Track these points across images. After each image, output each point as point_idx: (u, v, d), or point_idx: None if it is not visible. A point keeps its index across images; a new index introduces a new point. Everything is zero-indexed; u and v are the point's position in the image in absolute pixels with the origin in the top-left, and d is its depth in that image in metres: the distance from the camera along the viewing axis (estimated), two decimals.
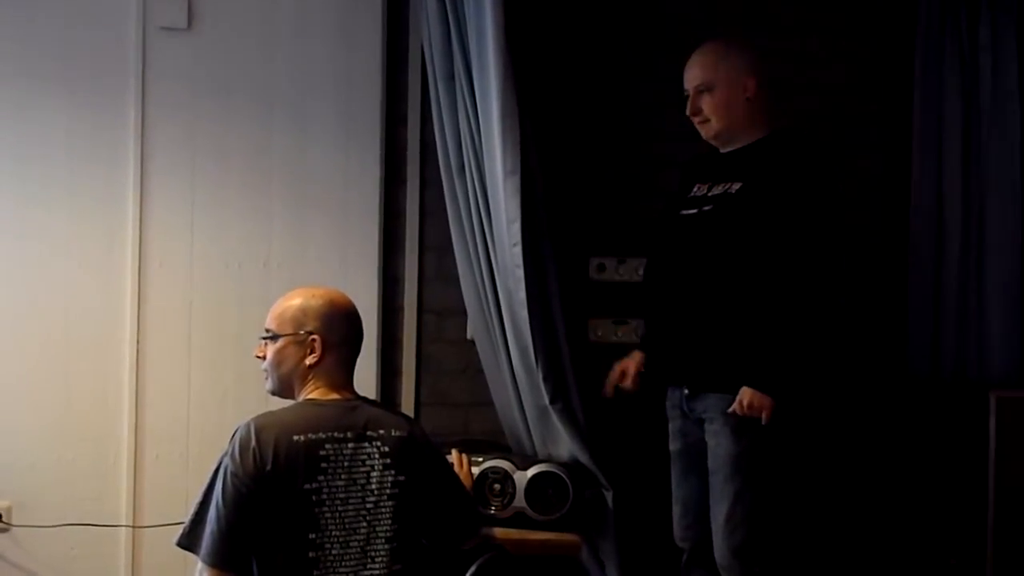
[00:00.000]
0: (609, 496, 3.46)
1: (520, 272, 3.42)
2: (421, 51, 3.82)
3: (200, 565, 2.63)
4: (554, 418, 3.47)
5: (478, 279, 3.66)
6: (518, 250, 3.41)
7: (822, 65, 4.12)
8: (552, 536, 3.34)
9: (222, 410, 3.77)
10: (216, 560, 2.60)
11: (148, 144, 3.80)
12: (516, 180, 3.38)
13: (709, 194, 3.29)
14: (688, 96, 3.36)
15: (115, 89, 3.79)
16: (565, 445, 3.48)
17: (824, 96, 4.08)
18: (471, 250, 3.66)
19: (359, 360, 2.88)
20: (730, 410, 3.12)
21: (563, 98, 3.97)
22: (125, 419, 3.79)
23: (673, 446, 3.42)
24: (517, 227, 3.40)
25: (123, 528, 3.77)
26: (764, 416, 3.08)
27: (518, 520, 3.34)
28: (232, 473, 2.60)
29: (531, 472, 3.37)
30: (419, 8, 3.79)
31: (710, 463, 3.23)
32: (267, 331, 2.82)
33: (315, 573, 2.61)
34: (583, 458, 3.46)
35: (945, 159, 4.06)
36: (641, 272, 3.87)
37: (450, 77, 3.63)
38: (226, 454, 2.65)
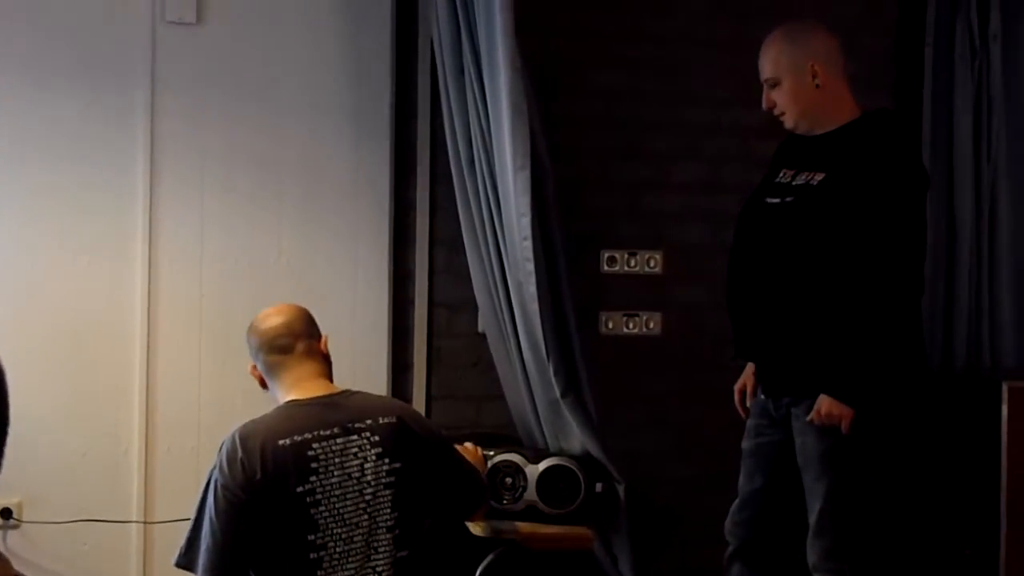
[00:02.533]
0: (621, 489, 3.45)
1: (531, 266, 3.41)
2: (431, 44, 3.81)
3: None
4: (565, 411, 3.47)
5: (489, 273, 3.65)
6: (528, 244, 3.40)
7: None
8: (564, 530, 3.34)
9: (233, 405, 3.75)
10: (214, 575, 2.60)
11: (158, 138, 3.78)
12: (526, 175, 3.37)
13: (793, 183, 3.18)
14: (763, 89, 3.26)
15: (124, 84, 3.77)
16: (576, 438, 3.48)
17: None
18: (481, 244, 3.66)
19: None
20: (808, 418, 3.07)
21: (574, 91, 3.97)
22: (136, 414, 3.78)
23: (745, 443, 3.37)
24: (527, 221, 3.38)
25: (134, 524, 3.77)
26: (844, 426, 3.02)
27: (530, 514, 3.35)
28: (222, 486, 2.60)
29: (543, 466, 3.38)
30: (428, 2, 3.79)
31: (799, 460, 3.17)
32: None
33: (319, 573, 2.59)
34: (595, 451, 3.46)
35: (956, 150, 4.06)
36: (652, 265, 3.85)
37: (460, 72, 3.62)
38: (215, 467, 2.65)
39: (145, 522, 3.77)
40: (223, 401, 3.79)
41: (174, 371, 3.81)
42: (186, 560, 2.66)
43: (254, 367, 2.85)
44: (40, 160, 3.73)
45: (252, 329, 2.86)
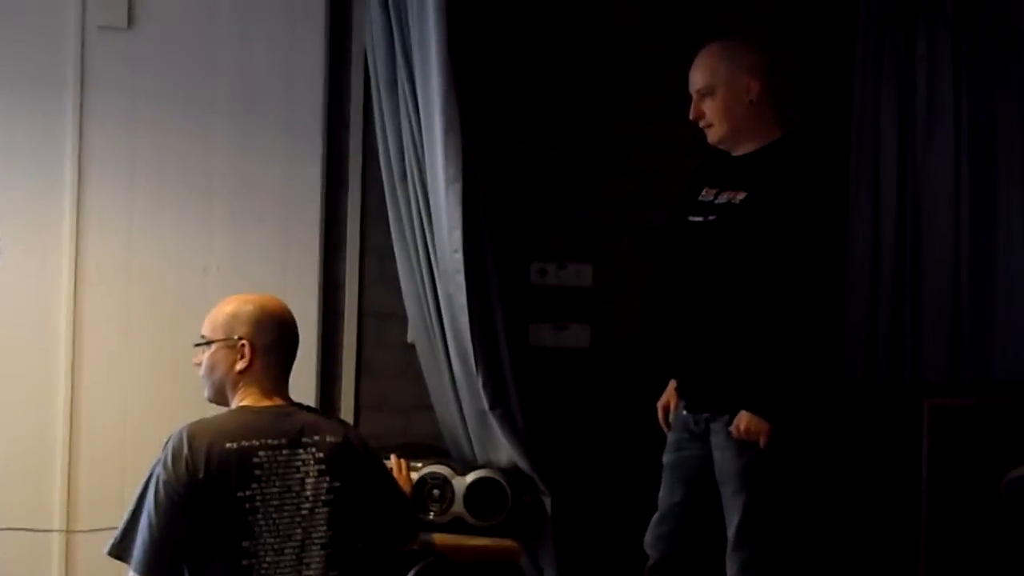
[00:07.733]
0: (548, 502, 3.47)
1: (461, 278, 3.42)
2: (364, 55, 3.81)
3: (131, 575, 2.61)
4: (493, 423, 3.48)
5: (419, 284, 3.66)
6: (459, 256, 3.41)
7: None
8: (491, 542, 3.35)
9: (159, 414, 3.71)
10: (147, 569, 2.59)
11: (86, 146, 3.75)
12: (458, 188, 3.38)
13: (715, 201, 3.21)
14: (692, 100, 3.27)
15: (52, 89, 3.74)
16: (504, 450, 3.49)
17: None
18: (412, 255, 3.66)
19: (298, 364, 2.88)
20: (728, 431, 3.10)
21: (508, 105, 3.98)
22: (60, 422, 3.74)
23: (666, 457, 3.39)
24: (458, 234, 3.39)
25: (56, 533, 3.72)
26: (762, 441, 3.06)
27: (457, 526, 3.35)
28: (164, 481, 2.59)
29: (470, 478, 3.38)
30: (362, 13, 3.78)
31: (717, 475, 3.20)
32: (201, 337, 2.81)
33: None
34: (522, 464, 3.47)
35: (882, 169, 4.11)
36: (582, 277, 3.86)
37: (393, 84, 3.63)
38: (158, 462, 2.63)
39: (67, 531, 3.73)
40: (149, 411, 3.77)
41: (100, 379, 3.78)
42: (119, 550, 2.64)
43: (228, 340, 2.76)
44: None
45: (255, 303, 2.80)
